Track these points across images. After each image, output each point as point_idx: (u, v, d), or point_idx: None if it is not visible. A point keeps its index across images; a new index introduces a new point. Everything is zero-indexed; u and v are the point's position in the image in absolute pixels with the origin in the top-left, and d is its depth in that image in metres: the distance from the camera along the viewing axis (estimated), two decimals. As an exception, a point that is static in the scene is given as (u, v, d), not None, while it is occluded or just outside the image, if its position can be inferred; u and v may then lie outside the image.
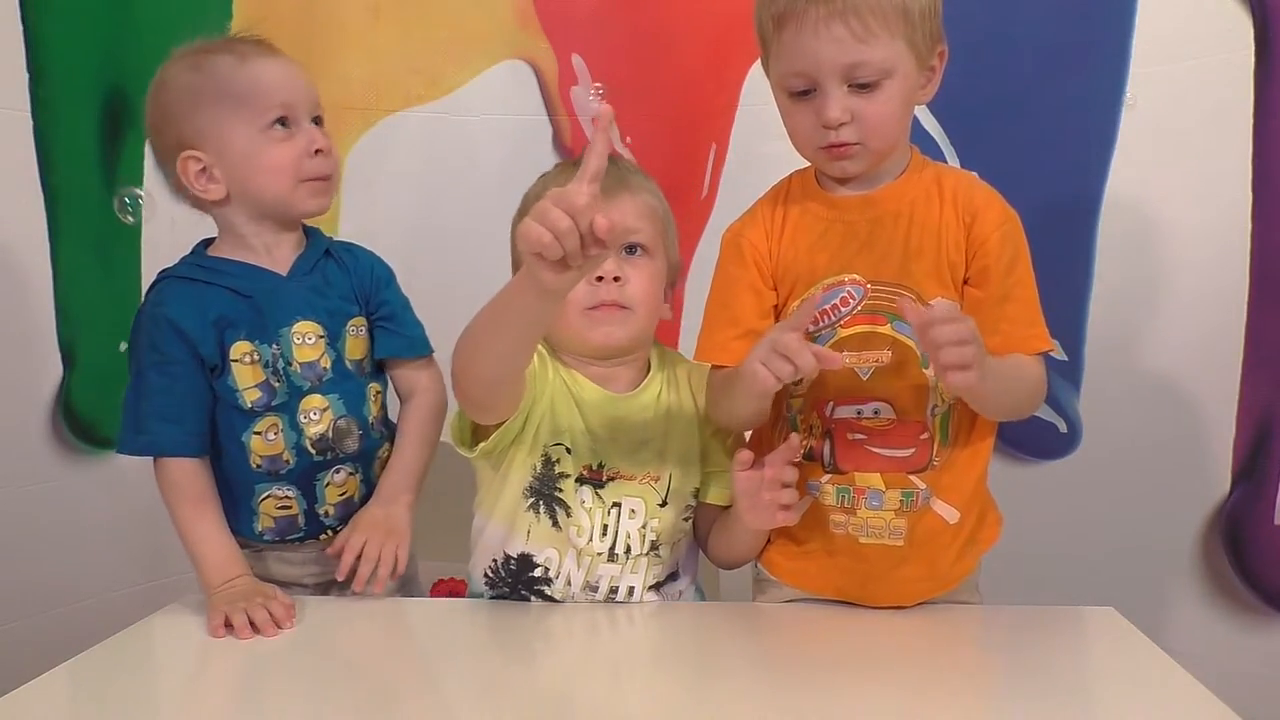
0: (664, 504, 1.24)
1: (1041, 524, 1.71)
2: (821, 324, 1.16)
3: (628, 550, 1.22)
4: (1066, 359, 1.76)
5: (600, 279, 1.19)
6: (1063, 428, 1.80)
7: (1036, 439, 1.77)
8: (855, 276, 1.16)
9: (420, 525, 1.32)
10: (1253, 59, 1.65)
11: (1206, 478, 1.71)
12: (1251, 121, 1.65)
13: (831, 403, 1.17)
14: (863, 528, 1.17)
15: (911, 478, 1.16)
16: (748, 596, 1.32)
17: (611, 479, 1.22)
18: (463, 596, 1.36)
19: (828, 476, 1.18)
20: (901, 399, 1.16)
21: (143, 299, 1.28)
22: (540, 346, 1.23)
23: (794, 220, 1.20)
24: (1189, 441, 1.71)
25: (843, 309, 1.15)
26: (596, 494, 1.22)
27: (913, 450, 1.16)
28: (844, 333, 1.15)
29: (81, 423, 1.69)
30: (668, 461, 1.24)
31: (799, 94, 1.13)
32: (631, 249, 1.22)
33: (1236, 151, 1.66)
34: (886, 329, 1.15)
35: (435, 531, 1.41)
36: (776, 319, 1.20)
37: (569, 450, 1.21)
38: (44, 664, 0.98)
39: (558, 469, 1.21)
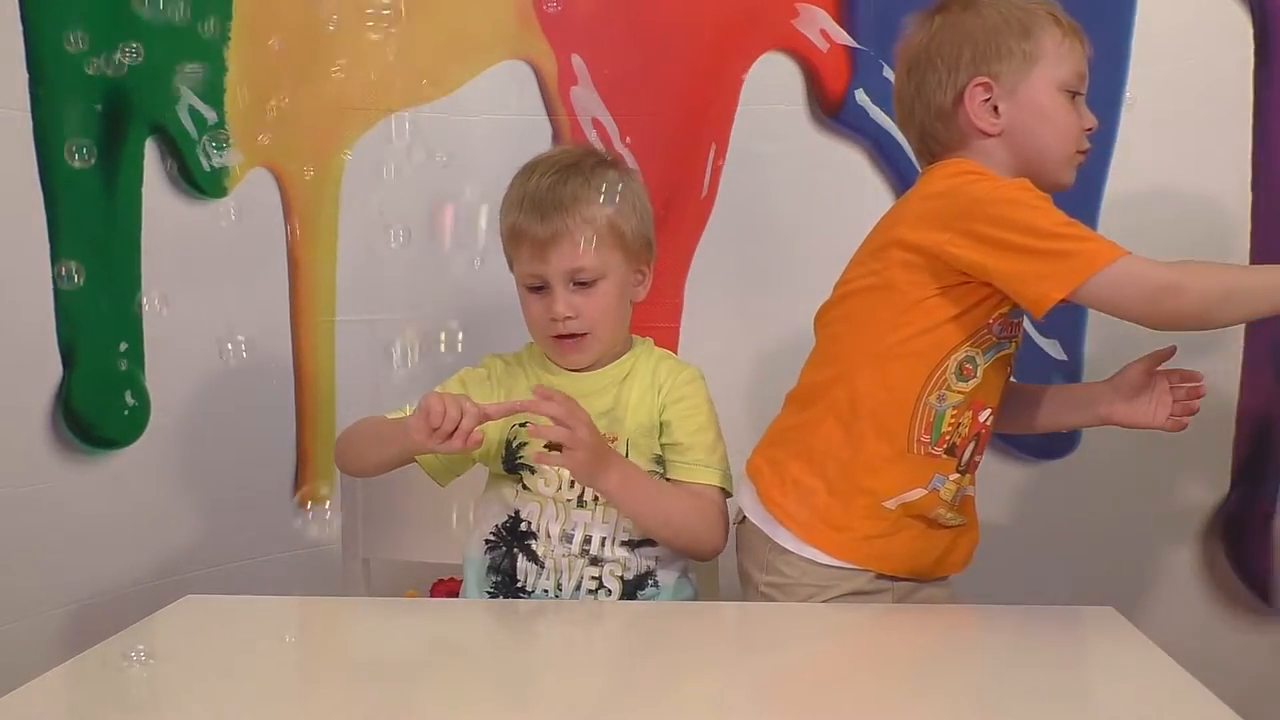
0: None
1: (1041, 524, 1.72)
2: (1013, 333, 1.24)
3: (596, 498, 1.29)
4: (1066, 359, 1.76)
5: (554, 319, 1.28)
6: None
7: (1036, 439, 1.76)
8: None
9: (418, 525, 1.32)
10: (1253, 59, 1.65)
11: (1206, 478, 1.71)
12: (1251, 121, 1.66)
13: (989, 410, 1.23)
14: (955, 517, 1.25)
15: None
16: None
17: None
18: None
19: (955, 475, 1.23)
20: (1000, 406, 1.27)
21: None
22: (504, 359, 1.37)
23: None
24: (1188, 441, 1.71)
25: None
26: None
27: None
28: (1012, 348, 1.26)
29: (81, 423, 1.69)
30: (625, 427, 1.31)
31: None
32: (580, 280, 1.29)
33: (1236, 151, 1.66)
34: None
35: (435, 531, 1.42)
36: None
37: (522, 426, 1.29)
38: (44, 664, 0.98)
39: (516, 443, 1.30)
